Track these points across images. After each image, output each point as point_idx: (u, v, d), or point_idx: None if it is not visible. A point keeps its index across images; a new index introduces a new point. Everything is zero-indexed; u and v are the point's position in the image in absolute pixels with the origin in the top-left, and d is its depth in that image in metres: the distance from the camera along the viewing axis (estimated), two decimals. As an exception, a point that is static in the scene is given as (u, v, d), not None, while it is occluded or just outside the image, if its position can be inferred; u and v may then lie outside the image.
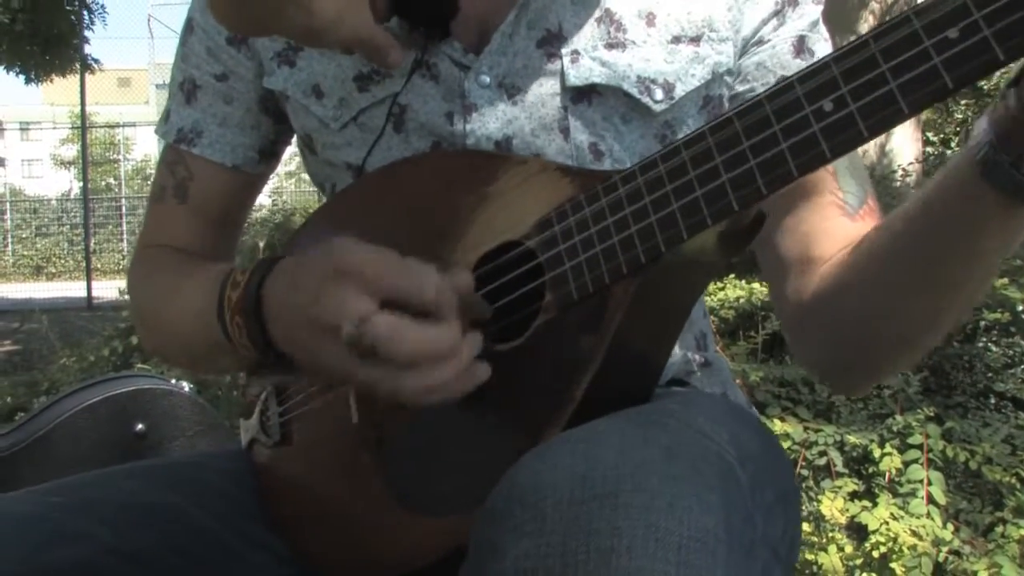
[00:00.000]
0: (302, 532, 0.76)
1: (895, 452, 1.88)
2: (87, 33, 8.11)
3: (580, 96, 0.75)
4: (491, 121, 0.74)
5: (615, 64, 0.74)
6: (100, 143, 28.62)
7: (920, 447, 1.86)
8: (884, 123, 0.50)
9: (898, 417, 1.93)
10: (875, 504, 1.77)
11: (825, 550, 1.66)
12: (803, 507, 1.82)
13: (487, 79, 0.74)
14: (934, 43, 0.47)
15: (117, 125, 28.23)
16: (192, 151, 0.85)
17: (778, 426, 1.94)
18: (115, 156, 29.90)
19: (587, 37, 0.75)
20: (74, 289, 17.06)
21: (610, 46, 0.75)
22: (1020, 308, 2.17)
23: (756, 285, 2.48)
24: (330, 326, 0.60)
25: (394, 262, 0.61)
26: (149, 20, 14.01)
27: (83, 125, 13.22)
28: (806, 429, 1.96)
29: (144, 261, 0.89)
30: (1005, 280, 2.19)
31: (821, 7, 0.81)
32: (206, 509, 0.76)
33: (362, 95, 0.77)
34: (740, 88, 0.79)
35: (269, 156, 0.89)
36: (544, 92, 0.74)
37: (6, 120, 40.12)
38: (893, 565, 1.57)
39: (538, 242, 0.63)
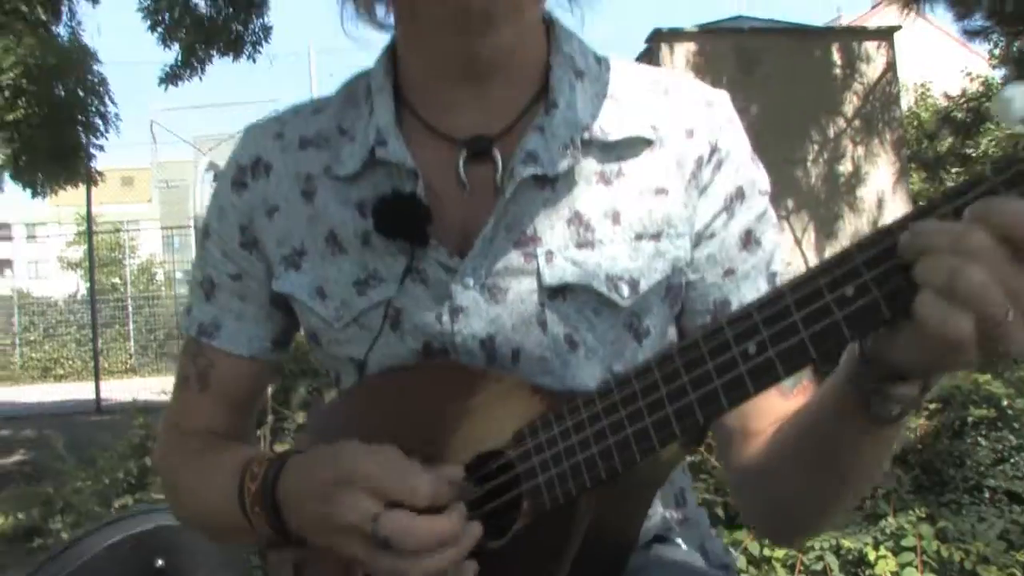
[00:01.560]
0: None
1: (890, 555, 1.93)
2: (100, 142, 8.27)
3: (555, 293, 0.83)
4: (476, 321, 0.83)
5: (585, 263, 0.83)
6: (105, 244, 28.91)
7: (914, 549, 1.92)
8: (798, 368, 0.59)
9: (891, 519, 1.99)
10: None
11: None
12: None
13: (471, 281, 0.83)
14: (834, 298, 0.57)
15: (119, 230, 28.57)
16: (212, 343, 0.95)
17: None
18: (120, 256, 30.23)
19: (559, 237, 0.84)
20: (83, 390, 17.10)
21: (580, 245, 0.83)
22: (1005, 403, 2.25)
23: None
24: (343, 525, 0.70)
25: (392, 468, 0.71)
26: (152, 125, 14.27)
27: (89, 232, 13.46)
28: (803, 534, 2.02)
29: (173, 447, 0.98)
30: (989, 376, 2.27)
31: (767, 197, 0.91)
32: None
33: (361, 298, 0.86)
34: (693, 277, 0.87)
35: (282, 344, 0.98)
36: (523, 290, 0.83)
37: (12, 222, 40.65)
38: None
39: (516, 455, 0.72)
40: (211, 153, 14.44)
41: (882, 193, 7.57)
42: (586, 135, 0.84)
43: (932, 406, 2.32)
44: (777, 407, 0.83)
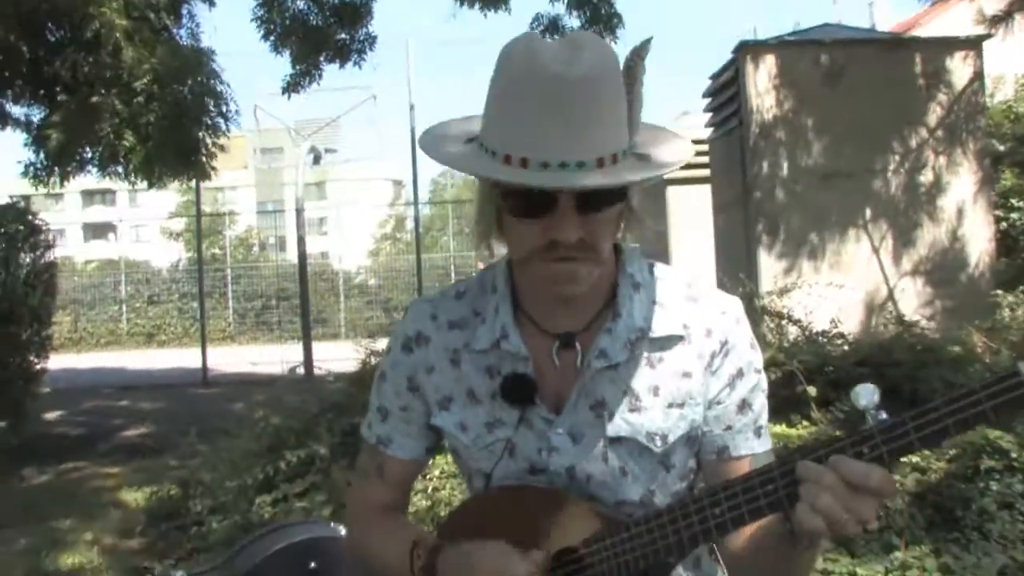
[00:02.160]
0: None
1: (898, 582, 2.35)
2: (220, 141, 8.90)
3: (614, 441, 1.29)
4: (564, 456, 1.30)
5: (634, 423, 1.29)
6: (205, 216, 30.02)
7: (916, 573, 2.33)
8: (745, 524, 1.05)
9: (901, 553, 2.40)
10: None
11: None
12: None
13: (561, 430, 1.30)
14: (763, 491, 1.03)
15: (221, 214, 29.42)
16: (386, 451, 1.43)
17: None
18: (219, 227, 31.34)
19: (618, 404, 1.30)
20: (185, 357, 18.09)
21: (631, 410, 1.29)
22: (1014, 455, 2.61)
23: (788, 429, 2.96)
24: None
25: (507, 564, 1.19)
26: (255, 110, 14.99)
27: (198, 220, 14.21)
28: (824, 560, 2.44)
29: (360, 518, 1.48)
30: (1000, 432, 2.63)
31: (760, 374, 1.35)
32: None
33: (490, 435, 1.33)
34: (704, 430, 1.32)
35: (433, 451, 1.46)
36: (594, 437, 1.30)
37: (116, 188, 42.34)
38: None
39: (586, 551, 1.19)
40: (311, 137, 15.09)
41: (963, 203, 7.67)
42: (639, 333, 1.30)
43: (952, 452, 2.70)
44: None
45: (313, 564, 2.38)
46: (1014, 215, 10.65)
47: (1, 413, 7.14)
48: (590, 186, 1.14)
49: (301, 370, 13.43)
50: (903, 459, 1.50)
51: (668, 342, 1.31)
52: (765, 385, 1.36)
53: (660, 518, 1.15)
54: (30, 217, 7.39)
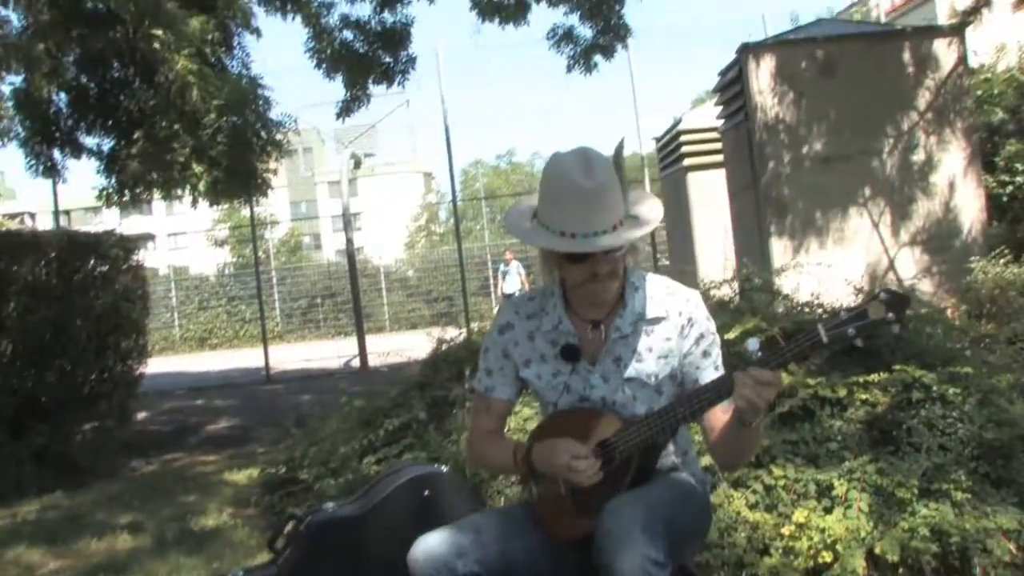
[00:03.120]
0: (546, 520, 2.26)
1: (845, 483, 3.26)
2: (273, 166, 9.83)
3: (628, 380, 2.24)
4: (598, 391, 2.25)
5: (639, 369, 2.24)
6: (247, 222, 30.90)
7: (860, 478, 3.24)
8: (711, 405, 2.03)
9: (847, 463, 3.33)
10: (831, 513, 3.18)
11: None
12: (787, 516, 3.22)
13: (596, 376, 2.26)
14: (710, 395, 1.97)
15: (264, 221, 29.97)
16: (491, 396, 2.39)
17: (778, 471, 3.36)
18: (262, 230, 32.39)
19: (628, 358, 2.25)
20: (238, 358, 19.09)
21: (636, 362, 2.24)
22: (935, 389, 3.49)
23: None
24: (558, 466, 2.14)
25: (571, 449, 2.13)
26: (296, 120, 15.86)
27: (253, 230, 15.17)
28: (797, 470, 3.37)
29: (476, 440, 2.45)
30: (926, 372, 3.52)
31: (715, 335, 2.28)
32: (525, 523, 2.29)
33: (555, 380, 2.29)
34: (682, 371, 2.27)
35: (520, 393, 2.42)
36: (616, 379, 2.25)
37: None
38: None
39: (615, 439, 2.15)
40: (352, 145, 16.03)
41: (953, 177, 8.36)
42: (638, 316, 2.24)
43: (892, 390, 3.60)
44: (720, 415, 2.18)
45: (426, 492, 3.32)
46: (1020, 179, 11.19)
47: (109, 415, 8.14)
48: (607, 246, 2.12)
49: (356, 363, 14.41)
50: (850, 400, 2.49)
51: (656, 320, 2.26)
52: (718, 340, 2.30)
53: (656, 415, 2.09)
54: (124, 240, 8.31)
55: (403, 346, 9.90)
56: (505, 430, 2.52)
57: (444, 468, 3.56)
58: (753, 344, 1.99)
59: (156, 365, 9.05)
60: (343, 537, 3.29)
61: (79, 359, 7.54)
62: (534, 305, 2.38)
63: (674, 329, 2.27)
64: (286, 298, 27.46)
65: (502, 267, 19.88)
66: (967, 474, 3.28)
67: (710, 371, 2.27)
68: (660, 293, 2.30)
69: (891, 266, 8.24)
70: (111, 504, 6.19)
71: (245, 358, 18.44)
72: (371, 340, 14.41)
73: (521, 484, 2.41)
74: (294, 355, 17.75)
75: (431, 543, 2.19)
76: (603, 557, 1.97)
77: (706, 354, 2.29)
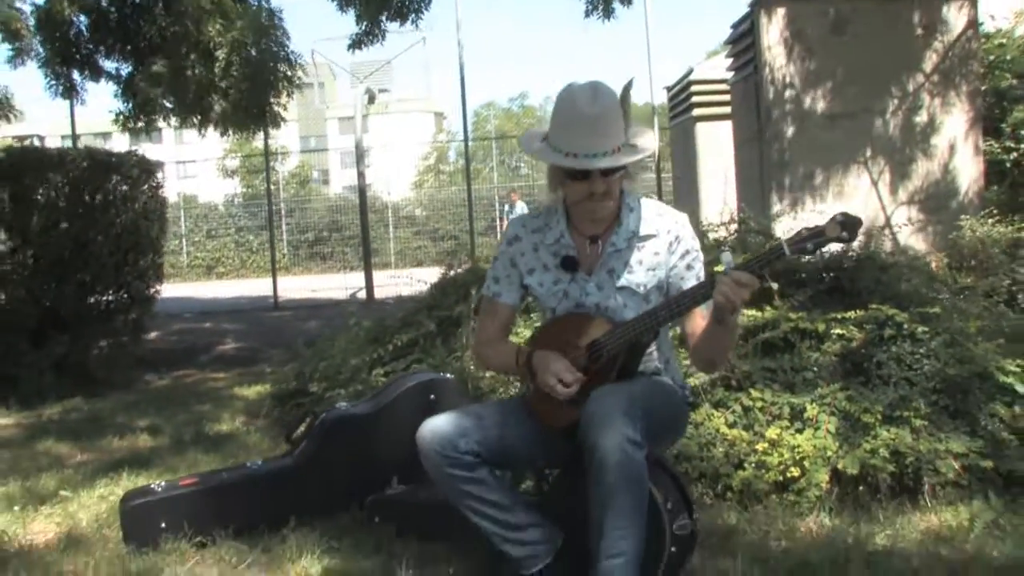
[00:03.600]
0: (540, 412, 2.56)
1: (816, 407, 3.56)
2: (284, 101, 10.01)
3: (620, 289, 2.54)
4: (593, 298, 2.55)
5: (629, 279, 2.53)
6: (258, 155, 30.97)
7: (830, 403, 3.54)
8: (695, 305, 2.35)
9: (820, 390, 3.62)
10: (801, 433, 3.48)
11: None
12: (761, 435, 3.53)
13: (592, 285, 2.55)
14: (699, 294, 2.26)
15: (275, 152, 29.92)
16: (498, 300, 2.68)
17: (756, 394, 3.66)
18: (271, 162, 32.47)
19: (621, 270, 2.53)
20: (244, 287, 19.38)
21: (628, 273, 2.53)
22: (906, 327, 3.77)
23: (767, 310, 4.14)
24: (549, 371, 2.46)
25: (560, 374, 2.45)
26: (312, 54, 16.00)
27: (267, 159, 15.34)
28: (774, 394, 3.67)
29: (484, 342, 2.74)
30: (897, 311, 3.79)
31: (698, 251, 2.56)
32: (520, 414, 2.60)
33: (555, 287, 2.59)
34: (669, 281, 2.56)
35: (524, 298, 2.70)
36: (609, 288, 2.54)
37: (161, 127, 43.25)
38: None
39: (603, 340, 2.44)
40: (367, 80, 16.15)
41: (954, 140, 8.53)
42: (632, 233, 2.52)
43: (867, 326, 3.88)
44: (699, 321, 2.49)
45: (432, 396, 3.64)
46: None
47: (124, 330, 8.45)
48: (603, 167, 2.40)
49: (363, 295, 14.68)
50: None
51: (647, 238, 2.55)
52: (702, 257, 2.60)
53: (642, 317, 2.39)
54: (144, 160, 8.55)
55: (406, 281, 10.14)
56: (508, 333, 2.81)
57: (449, 375, 3.88)
58: (726, 257, 2.27)
59: (165, 290, 9.30)
60: (354, 433, 3.62)
61: (98, 274, 7.81)
62: (539, 221, 2.66)
63: (663, 245, 2.55)
64: (293, 230, 27.67)
65: (507, 207, 20.19)
66: (927, 405, 3.57)
67: (693, 282, 2.57)
68: (651, 214, 2.59)
69: (887, 223, 8.47)
70: (129, 410, 6.54)
71: (252, 287, 18.71)
72: (377, 275, 14.64)
73: (520, 381, 2.70)
74: (300, 286, 18.03)
75: (438, 423, 2.50)
76: (587, 437, 2.27)
77: (690, 267, 2.58)
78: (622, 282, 2.56)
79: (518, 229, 2.70)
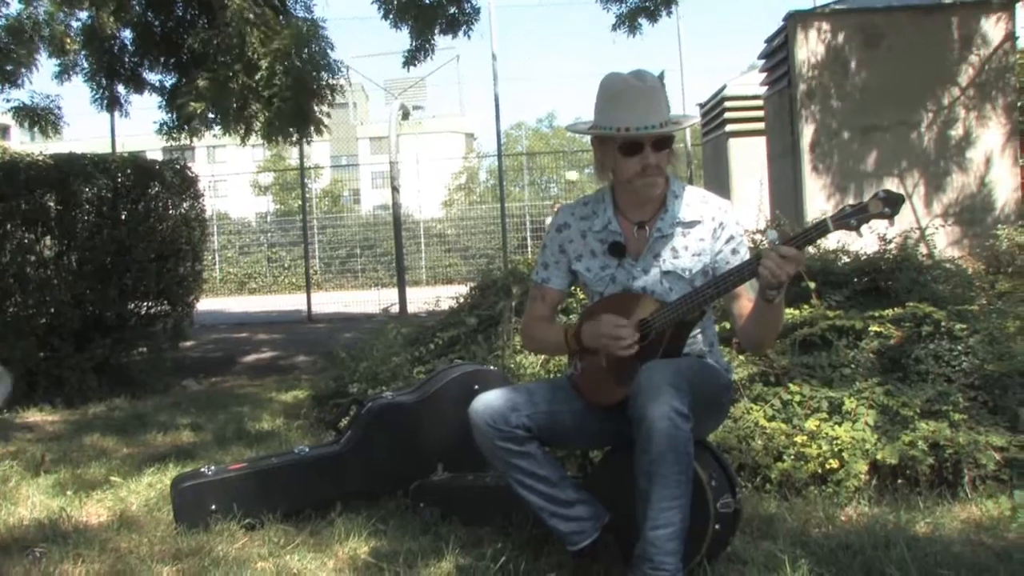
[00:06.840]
0: (589, 389, 2.63)
1: (855, 401, 3.59)
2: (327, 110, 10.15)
3: (666, 274, 2.61)
4: (640, 282, 2.62)
5: (676, 264, 2.60)
6: (293, 170, 31.19)
7: (868, 398, 3.58)
8: (741, 283, 2.43)
9: (858, 385, 3.66)
10: (839, 425, 3.52)
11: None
12: (800, 427, 3.57)
13: (639, 269, 2.61)
14: (747, 269, 2.32)
15: (308, 168, 30.12)
16: (546, 286, 2.76)
17: (794, 388, 3.70)
18: (307, 180, 32.76)
19: (668, 255, 2.60)
20: (277, 303, 19.53)
21: (675, 258, 2.60)
22: (944, 325, 3.80)
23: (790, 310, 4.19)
24: (603, 335, 2.53)
25: (614, 319, 2.50)
26: (347, 71, 16.18)
27: (301, 175, 15.53)
28: (812, 389, 3.71)
29: (531, 324, 2.82)
30: (935, 309, 3.83)
31: (742, 236, 2.62)
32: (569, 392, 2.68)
33: (603, 272, 2.66)
34: (714, 266, 2.62)
35: (572, 284, 2.78)
36: (655, 272, 2.61)
37: (195, 144, 43.94)
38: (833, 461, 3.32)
39: (651, 318, 2.51)
40: (401, 96, 16.34)
41: (991, 153, 8.53)
42: (678, 220, 2.59)
43: (906, 324, 3.92)
44: (746, 303, 2.57)
45: (476, 386, 3.70)
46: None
47: (163, 335, 8.60)
48: (656, 133, 2.51)
49: (395, 309, 14.78)
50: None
51: (692, 224, 2.62)
52: (746, 242, 2.66)
53: (688, 295, 2.46)
54: (185, 170, 8.72)
55: (436, 297, 10.24)
56: (556, 317, 2.88)
57: (492, 367, 3.95)
58: (772, 235, 2.34)
59: (199, 303, 9.47)
60: (399, 420, 3.69)
61: (139, 280, 7.96)
62: (587, 209, 2.74)
63: (707, 231, 2.62)
64: (326, 247, 27.87)
65: (550, 218, 20.24)
66: (966, 400, 3.60)
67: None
68: (696, 201, 2.66)
69: (922, 236, 8.48)
70: (171, 410, 6.66)
71: (284, 302, 18.87)
72: (409, 292, 14.76)
73: (568, 359, 2.77)
74: (332, 300, 18.16)
75: (490, 397, 2.57)
76: (636, 410, 2.34)
77: (735, 252, 2.65)
78: (667, 266, 2.63)
79: (567, 216, 2.78)
